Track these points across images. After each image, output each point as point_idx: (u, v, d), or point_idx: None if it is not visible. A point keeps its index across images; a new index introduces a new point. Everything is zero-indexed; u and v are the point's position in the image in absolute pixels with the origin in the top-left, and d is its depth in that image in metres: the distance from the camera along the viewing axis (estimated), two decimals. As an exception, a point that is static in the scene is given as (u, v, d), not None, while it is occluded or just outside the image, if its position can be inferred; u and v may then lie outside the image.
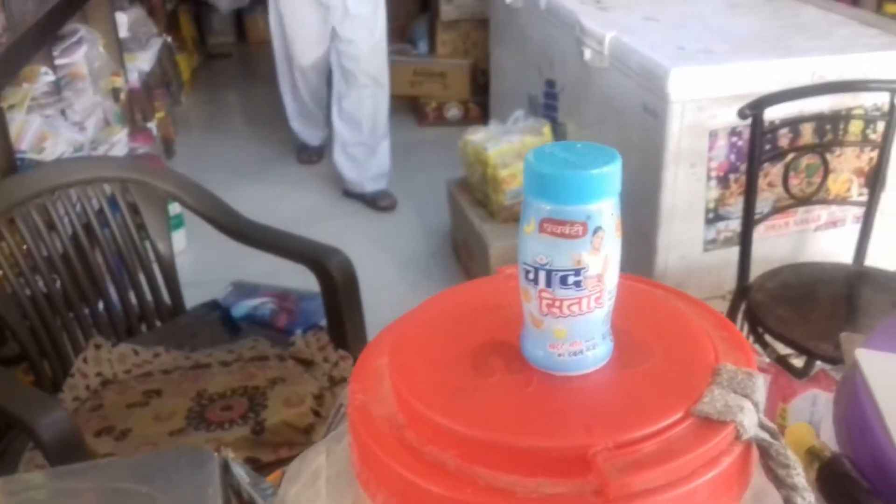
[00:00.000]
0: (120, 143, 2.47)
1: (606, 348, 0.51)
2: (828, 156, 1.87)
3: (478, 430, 0.45)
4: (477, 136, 2.55)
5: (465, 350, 0.51)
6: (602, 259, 0.47)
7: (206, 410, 1.45)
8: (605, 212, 0.46)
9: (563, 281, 0.47)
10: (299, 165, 3.65)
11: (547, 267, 0.47)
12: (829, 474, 0.59)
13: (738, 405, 0.46)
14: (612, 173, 0.46)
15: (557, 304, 0.48)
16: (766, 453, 0.47)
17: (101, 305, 1.67)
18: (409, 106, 4.06)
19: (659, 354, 0.51)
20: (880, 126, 1.83)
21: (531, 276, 0.48)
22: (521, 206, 0.48)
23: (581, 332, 0.49)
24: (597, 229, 0.46)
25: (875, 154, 1.87)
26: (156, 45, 3.54)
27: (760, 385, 0.48)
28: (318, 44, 3.21)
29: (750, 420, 0.46)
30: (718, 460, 0.45)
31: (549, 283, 0.47)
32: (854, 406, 0.60)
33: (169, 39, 3.97)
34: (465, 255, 2.75)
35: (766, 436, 0.46)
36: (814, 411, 0.86)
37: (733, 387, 0.47)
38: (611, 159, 0.47)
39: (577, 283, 0.47)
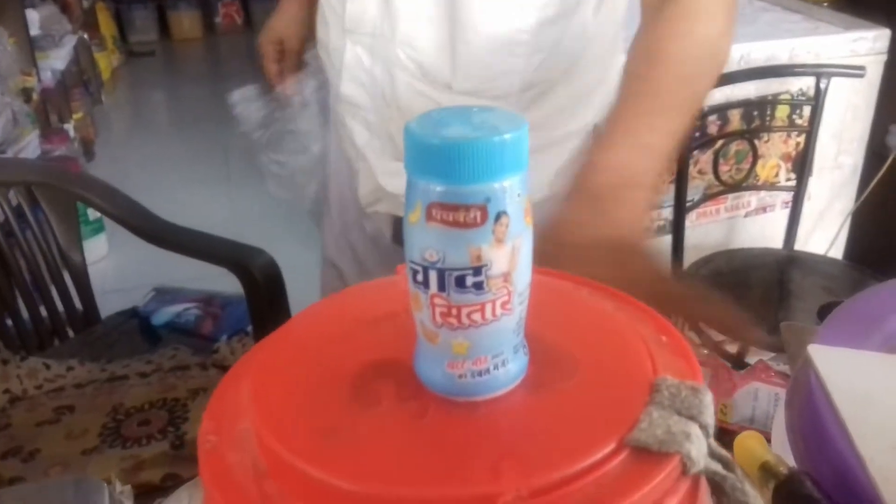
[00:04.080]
0: (31, 145, 2.35)
1: (519, 364, 0.41)
2: (756, 142, 1.87)
3: (356, 480, 0.35)
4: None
5: (346, 373, 0.41)
6: (508, 252, 0.37)
7: (121, 426, 1.36)
8: (510, 191, 0.36)
9: (460, 282, 0.37)
10: (227, 165, 3.54)
11: (439, 265, 0.37)
12: (788, 495, 0.50)
13: (684, 431, 0.37)
14: (517, 140, 0.36)
15: (454, 312, 0.38)
16: (719, 489, 0.38)
17: (8, 318, 1.57)
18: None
19: (584, 368, 0.42)
20: (806, 111, 1.83)
21: (420, 277, 0.38)
22: (405, 189, 0.37)
23: (486, 347, 0.39)
24: (500, 214, 0.36)
25: (802, 139, 1.88)
26: (71, 42, 3.39)
27: (709, 402, 0.39)
28: None
29: (699, 449, 0.37)
30: (661, 503, 0.36)
31: (442, 286, 0.37)
32: (810, 412, 0.52)
33: (86, 37, 3.82)
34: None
35: (718, 468, 0.38)
36: (756, 406, 0.83)
37: (676, 406, 0.38)
38: (516, 125, 0.36)
39: (478, 285, 0.37)
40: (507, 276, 0.38)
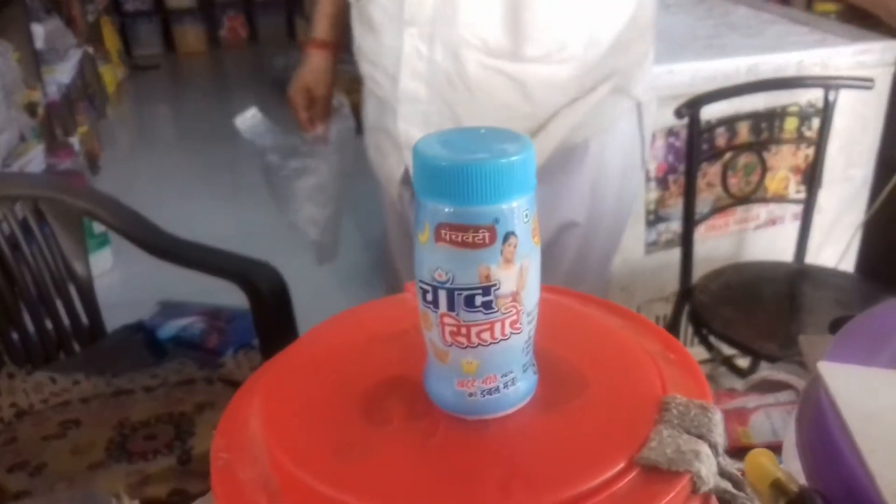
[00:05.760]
0: (36, 159, 2.35)
1: (528, 383, 0.41)
2: (764, 154, 1.86)
3: (368, 499, 0.35)
4: (413, 142, 2.50)
5: (357, 391, 0.41)
6: (516, 272, 0.37)
7: (127, 441, 1.35)
8: (518, 212, 0.37)
9: (470, 302, 0.37)
10: (231, 178, 3.53)
11: (448, 285, 0.37)
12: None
13: (694, 450, 0.37)
14: (524, 162, 0.36)
15: (464, 331, 0.38)
16: None
17: (14, 332, 1.56)
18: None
19: (593, 387, 0.42)
20: (815, 123, 1.82)
21: (430, 297, 0.38)
22: (414, 209, 0.38)
23: (496, 365, 0.39)
24: (508, 235, 0.36)
25: (811, 151, 1.87)
26: (76, 56, 3.40)
27: (719, 421, 0.39)
28: None
29: (708, 468, 0.37)
30: (670, 522, 0.35)
31: (451, 306, 0.37)
32: (820, 429, 0.51)
33: (91, 50, 3.83)
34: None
35: (728, 486, 0.37)
36: (773, 422, 0.82)
37: (685, 425, 0.38)
38: (522, 147, 0.37)
39: (487, 304, 0.37)
40: (515, 296, 0.38)
